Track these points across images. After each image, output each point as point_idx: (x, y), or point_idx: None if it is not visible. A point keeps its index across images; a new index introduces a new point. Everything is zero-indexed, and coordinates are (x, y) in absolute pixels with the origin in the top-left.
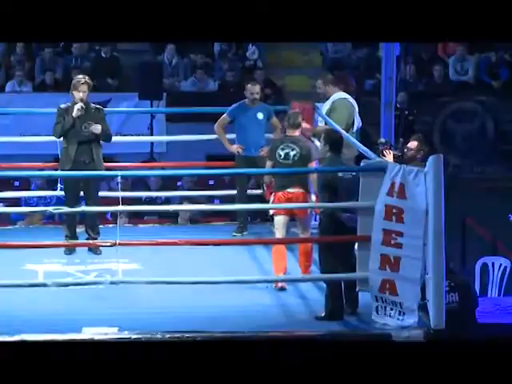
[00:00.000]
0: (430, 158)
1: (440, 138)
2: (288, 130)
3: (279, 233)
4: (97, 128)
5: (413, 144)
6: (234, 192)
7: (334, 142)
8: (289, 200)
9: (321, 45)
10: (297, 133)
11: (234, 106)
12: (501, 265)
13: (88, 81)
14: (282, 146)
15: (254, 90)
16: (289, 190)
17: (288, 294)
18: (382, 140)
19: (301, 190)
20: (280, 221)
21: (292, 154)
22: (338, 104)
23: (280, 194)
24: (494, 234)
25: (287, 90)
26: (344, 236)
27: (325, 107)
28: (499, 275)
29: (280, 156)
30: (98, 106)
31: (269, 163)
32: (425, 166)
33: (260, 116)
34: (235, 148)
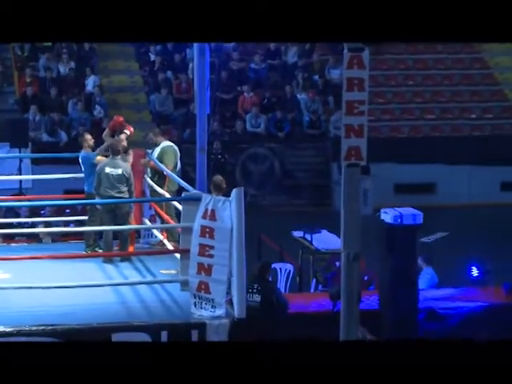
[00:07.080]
0: (234, 190)
1: (241, 175)
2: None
3: None
4: None
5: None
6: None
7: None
8: None
9: (150, 105)
10: None
11: (85, 153)
12: (286, 269)
13: None
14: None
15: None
16: None
17: (126, 293)
18: None
19: None
20: None
21: None
22: (166, 149)
23: None
24: (281, 246)
25: None
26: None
27: (155, 152)
28: (285, 277)
29: None
30: None
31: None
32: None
33: None
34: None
